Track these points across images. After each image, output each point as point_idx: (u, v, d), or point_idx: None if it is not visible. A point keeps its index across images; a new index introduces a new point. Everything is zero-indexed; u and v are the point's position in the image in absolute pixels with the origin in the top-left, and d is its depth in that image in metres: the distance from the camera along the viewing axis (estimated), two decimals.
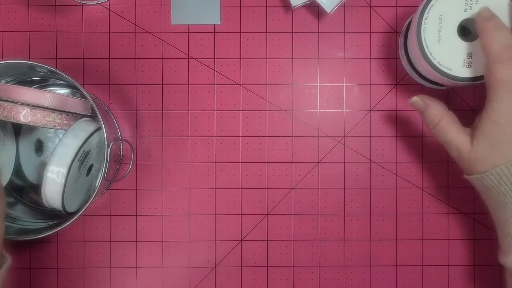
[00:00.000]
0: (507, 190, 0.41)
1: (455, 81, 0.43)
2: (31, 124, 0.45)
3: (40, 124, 0.46)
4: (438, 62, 0.43)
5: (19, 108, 0.45)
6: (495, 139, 0.40)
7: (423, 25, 0.43)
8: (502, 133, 0.40)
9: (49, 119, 0.46)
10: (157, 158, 0.53)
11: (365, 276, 0.53)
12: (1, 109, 0.45)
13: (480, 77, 0.43)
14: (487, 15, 0.41)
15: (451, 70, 0.43)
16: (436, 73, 0.44)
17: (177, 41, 0.53)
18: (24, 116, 0.45)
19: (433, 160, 0.53)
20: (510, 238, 0.41)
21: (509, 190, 0.41)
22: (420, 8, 0.44)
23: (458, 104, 0.53)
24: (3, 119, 0.45)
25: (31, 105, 0.45)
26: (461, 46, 0.43)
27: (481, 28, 0.41)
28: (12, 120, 0.45)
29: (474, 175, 0.42)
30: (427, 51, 0.43)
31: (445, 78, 0.44)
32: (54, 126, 0.47)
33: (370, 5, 0.53)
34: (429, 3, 0.43)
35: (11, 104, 0.45)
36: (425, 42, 0.43)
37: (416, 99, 0.45)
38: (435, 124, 0.43)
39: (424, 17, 0.43)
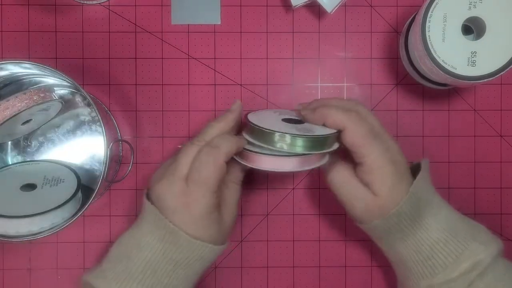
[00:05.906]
0: (405, 224, 0.42)
1: (460, 80, 0.43)
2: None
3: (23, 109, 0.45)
4: (443, 61, 0.43)
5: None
6: (395, 180, 0.41)
7: (427, 24, 0.43)
8: (400, 171, 0.42)
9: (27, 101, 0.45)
10: (157, 158, 0.53)
11: (366, 277, 0.53)
12: None
13: (484, 76, 0.43)
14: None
15: (456, 69, 0.43)
16: (441, 72, 0.43)
17: (177, 41, 0.53)
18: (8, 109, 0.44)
19: (434, 160, 0.53)
20: (410, 275, 0.43)
21: (408, 224, 0.42)
22: (424, 7, 0.43)
23: (459, 104, 0.53)
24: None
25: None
26: (465, 45, 0.43)
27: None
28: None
29: (375, 221, 0.42)
30: (431, 50, 0.43)
31: (449, 77, 0.43)
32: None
33: (370, 5, 0.53)
34: (434, 1, 0.43)
35: None
36: (430, 40, 0.43)
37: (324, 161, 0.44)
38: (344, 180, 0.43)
39: (428, 15, 0.43)
